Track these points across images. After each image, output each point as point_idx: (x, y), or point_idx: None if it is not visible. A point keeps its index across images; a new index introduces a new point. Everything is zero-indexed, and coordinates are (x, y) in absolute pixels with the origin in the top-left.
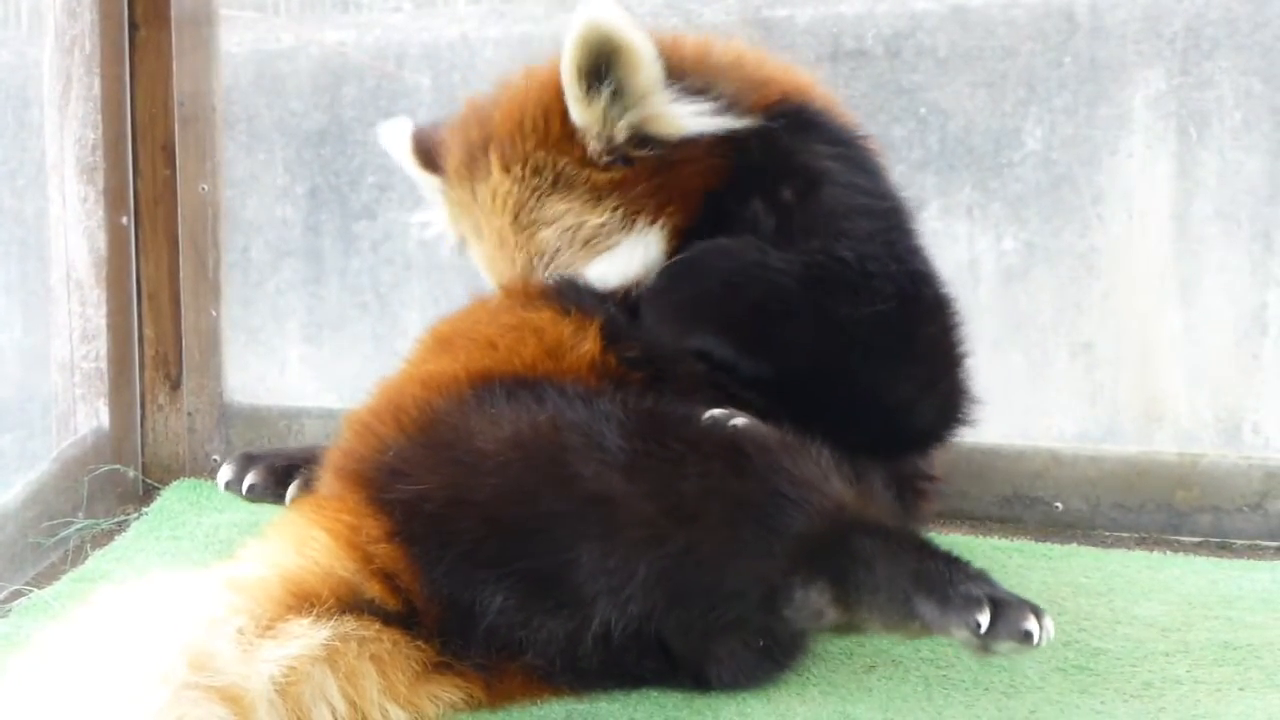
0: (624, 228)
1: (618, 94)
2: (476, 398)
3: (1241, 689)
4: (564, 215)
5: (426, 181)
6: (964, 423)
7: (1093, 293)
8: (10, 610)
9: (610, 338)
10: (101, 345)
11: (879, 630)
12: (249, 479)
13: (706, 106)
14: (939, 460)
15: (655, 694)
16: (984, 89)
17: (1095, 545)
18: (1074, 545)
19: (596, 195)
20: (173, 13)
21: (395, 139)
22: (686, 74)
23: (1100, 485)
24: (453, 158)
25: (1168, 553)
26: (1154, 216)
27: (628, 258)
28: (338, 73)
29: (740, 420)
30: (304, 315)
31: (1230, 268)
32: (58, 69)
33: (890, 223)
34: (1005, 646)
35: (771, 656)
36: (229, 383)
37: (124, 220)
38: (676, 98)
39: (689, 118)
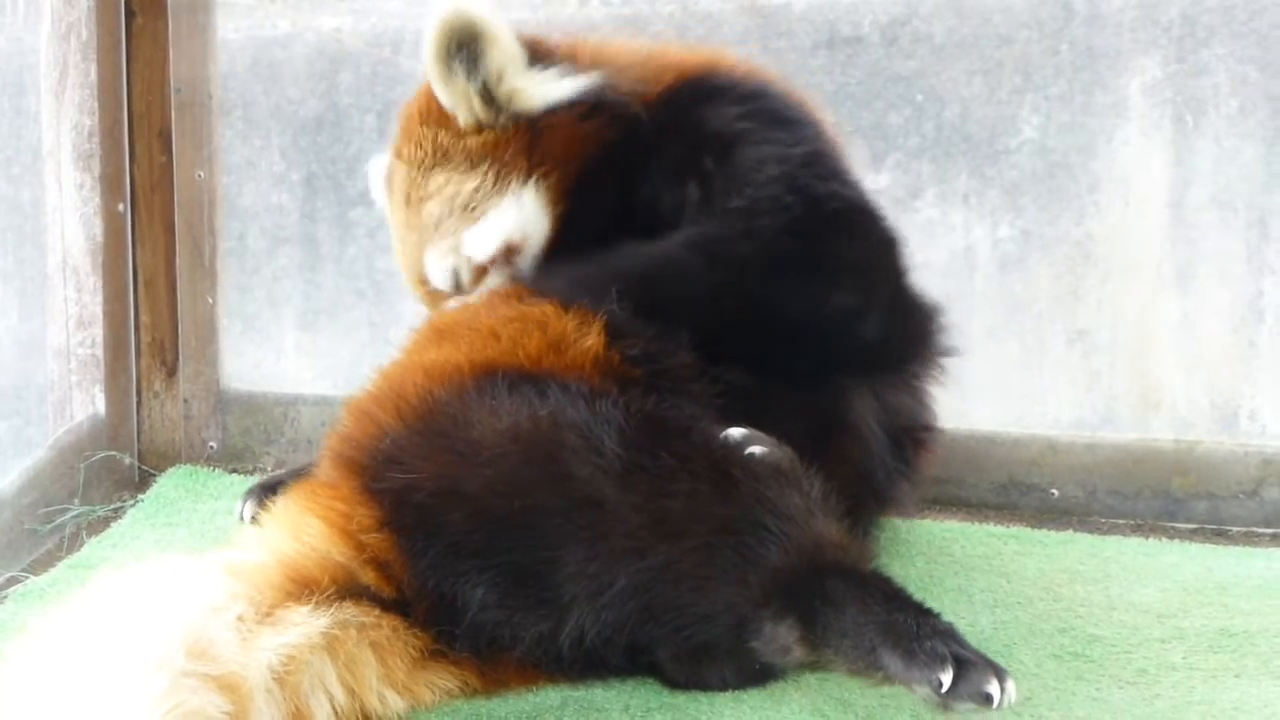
0: (498, 190)
1: (474, 72)
2: (478, 388)
3: (1237, 675)
4: (445, 186)
5: (382, 202)
6: (931, 331)
7: (1089, 280)
8: (7, 597)
9: (614, 334)
10: (98, 332)
11: (843, 673)
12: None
13: (553, 74)
14: (940, 442)
15: (650, 681)
16: (980, 76)
17: (1091, 532)
18: (1070, 532)
19: (472, 161)
20: (169, 0)
21: (377, 175)
22: (557, 59)
23: (1096, 472)
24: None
25: (1164, 539)
26: (1150, 204)
27: (501, 217)
28: (334, 59)
29: (758, 449)
30: (300, 302)
31: (1226, 255)
32: (54, 56)
33: (796, 163)
34: (964, 707)
35: (764, 676)
36: (225, 369)
37: (120, 207)
38: (529, 72)
39: (540, 86)
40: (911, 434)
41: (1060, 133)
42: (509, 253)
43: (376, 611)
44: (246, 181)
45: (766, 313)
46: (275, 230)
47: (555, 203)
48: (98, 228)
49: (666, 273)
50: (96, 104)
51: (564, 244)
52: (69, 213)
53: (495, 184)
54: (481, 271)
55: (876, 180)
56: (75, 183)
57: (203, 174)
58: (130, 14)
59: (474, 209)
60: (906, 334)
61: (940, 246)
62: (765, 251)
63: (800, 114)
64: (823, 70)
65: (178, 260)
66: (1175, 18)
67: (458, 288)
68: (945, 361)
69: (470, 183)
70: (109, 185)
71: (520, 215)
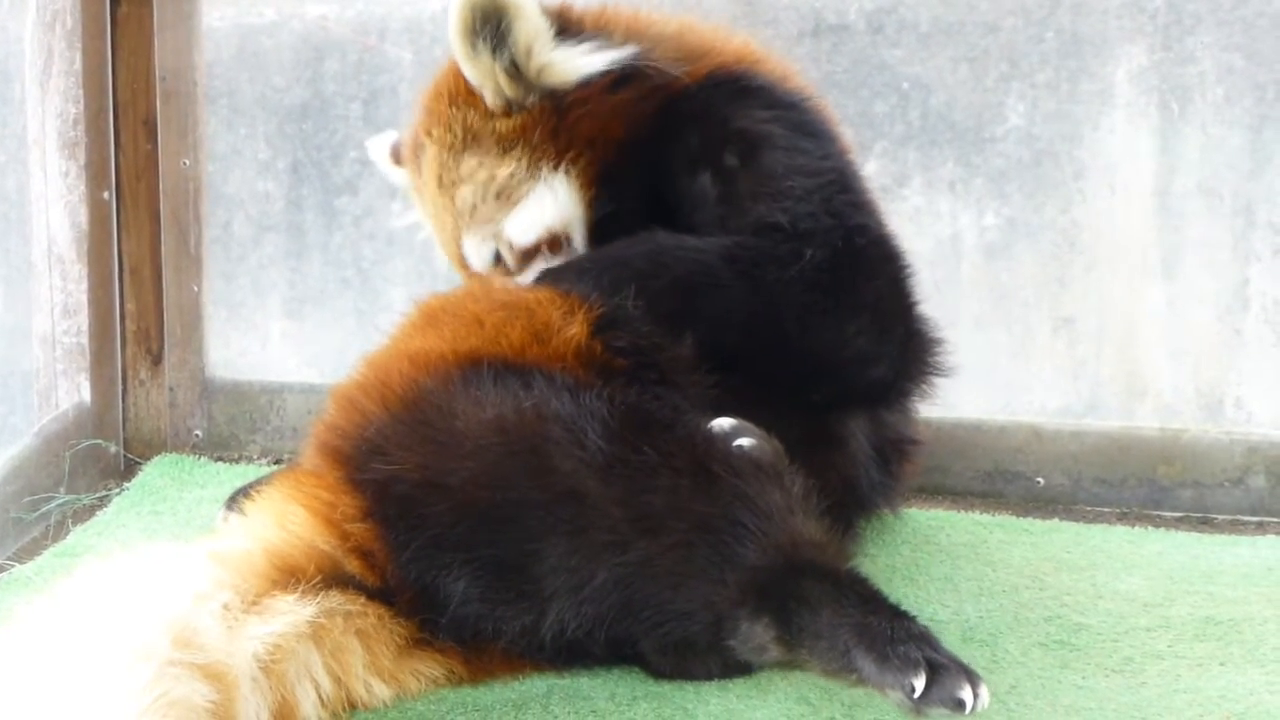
0: (531, 175)
1: (500, 47)
2: (464, 378)
3: (1222, 664)
4: (477, 170)
5: (397, 176)
6: (934, 368)
7: (1075, 268)
8: None
9: (604, 325)
10: (83, 320)
11: (817, 673)
12: None
13: (585, 48)
14: (923, 451)
15: (637, 670)
16: (966, 64)
17: (1077, 520)
18: (1055, 520)
19: (503, 146)
20: None
21: (377, 149)
22: (588, 30)
23: (1082, 460)
24: (406, 147)
25: (1149, 528)
26: (1136, 192)
27: (539, 206)
28: (320, 47)
29: (746, 441)
30: (286, 290)
31: (1212, 243)
32: (39, 44)
33: (828, 180)
34: (937, 712)
35: (748, 668)
36: (210, 358)
37: (105, 195)
38: (559, 45)
39: (570, 60)
40: (897, 446)
41: (1046, 120)
42: (554, 243)
43: (362, 600)
44: (232, 169)
45: (795, 347)
46: (261, 218)
47: (585, 187)
48: (83, 216)
49: (703, 284)
50: (81, 92)
51: (606, 232)
52: (54, 201)
53: (528, 169)
54: (527, 256)
55: (863, 169)
56: (60, 170)
57: (188, 162)
58: (115, 2)
59: (509, 194)
60: (912, 373)
61: (926, 234)
62: (804, 286)
63: (827, 129)
64: (808, 58)
65: (163, 248)
66: (1161, 5)
67: (505, 270)
68: (936, 380)
69: (503, 168)
70: (94, 173)
71: (556, 205)
